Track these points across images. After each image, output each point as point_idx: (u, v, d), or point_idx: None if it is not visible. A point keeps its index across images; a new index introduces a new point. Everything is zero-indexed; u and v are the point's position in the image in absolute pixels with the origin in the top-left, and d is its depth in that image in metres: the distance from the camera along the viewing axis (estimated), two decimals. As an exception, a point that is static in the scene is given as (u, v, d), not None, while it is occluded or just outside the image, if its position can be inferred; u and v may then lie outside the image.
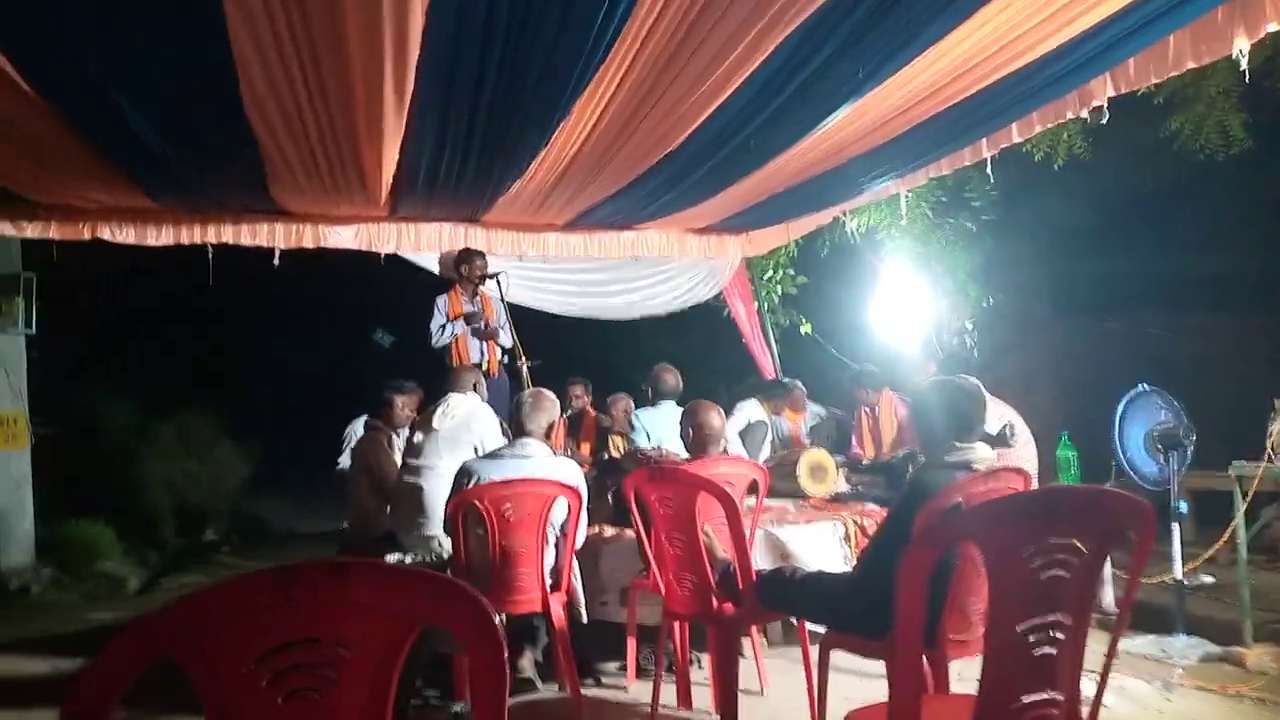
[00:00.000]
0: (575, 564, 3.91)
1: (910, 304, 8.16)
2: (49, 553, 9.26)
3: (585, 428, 6.71)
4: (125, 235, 5.42)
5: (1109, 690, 1.80)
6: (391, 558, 4.28)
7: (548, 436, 3.82)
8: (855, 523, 4.63)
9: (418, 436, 4.38)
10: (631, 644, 4.08)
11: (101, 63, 3.20)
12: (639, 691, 4.07)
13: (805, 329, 9.12)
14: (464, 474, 3.69)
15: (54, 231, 5.28)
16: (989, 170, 5.21)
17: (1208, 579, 5.54)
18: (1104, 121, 4.23)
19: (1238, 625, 4.58)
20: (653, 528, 3.41)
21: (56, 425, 10.71)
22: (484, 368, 6.00)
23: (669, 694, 3.82)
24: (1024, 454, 4.81)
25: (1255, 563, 5.22)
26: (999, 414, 4.63)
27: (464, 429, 4.34)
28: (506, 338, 6.21)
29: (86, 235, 5.37)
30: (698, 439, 4.04)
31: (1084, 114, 4.22)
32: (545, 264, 6.66)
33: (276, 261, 5.78)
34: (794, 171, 5.25)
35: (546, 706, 3.99)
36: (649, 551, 3.46)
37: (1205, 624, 4.77)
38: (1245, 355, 8.37)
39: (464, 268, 6.13)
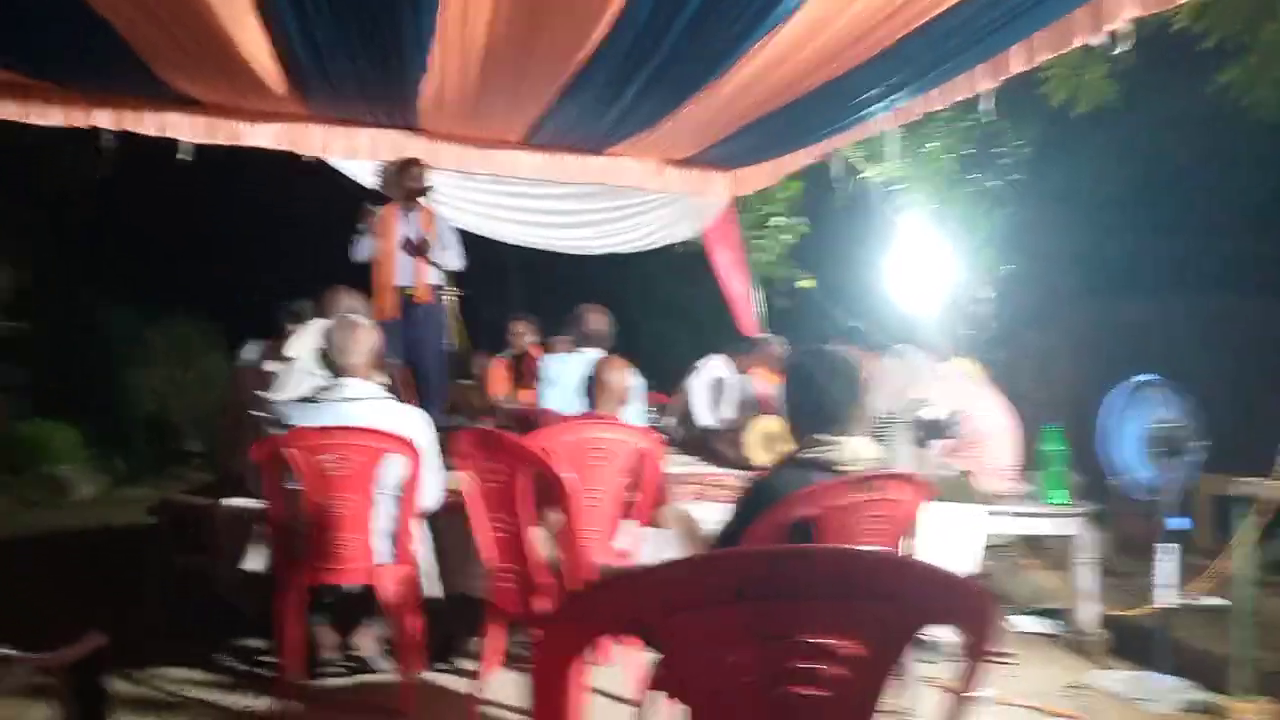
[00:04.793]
0: (420, 531, 3.29)
1: (926, 265, 7.40)
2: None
3: (528, 371, 6.04)
4: (9, 113, 4.81)
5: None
6: (234, 503, 3.70)
7: (379, 372, 3.16)
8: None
9: (270, 365, 3.75)
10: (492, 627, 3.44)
11: None
12: (502, 682, 3.46)
13: (804, 283, 8.39)
14: (276, 417, 3.07)
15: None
16: (988, 108, 4.35)
17: (1216, 601, 4.76)
18: (1125, 50, 3.43)
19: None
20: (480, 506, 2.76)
21: (33, 326, 10.36)
22: (410, 292, 5.33)
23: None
24: (991, 448, 4.07)
25: (1272, 586, 4.47)
26: (954, 393, 3.89)
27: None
28: (454, 259, 5.49)
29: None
30: (595, 398, 3.40)
31: (1098, 40, 3.41)
32: (497, 184, 5.93)
33: (181, 155, 5.14)
34: (768, 90, 4.51)
35: (372, 690, 3.41)
36: (477, 534, 2.81)
37: (1199, 660, 4.03)
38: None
39: (399, 176, 5.41)
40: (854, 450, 1.98)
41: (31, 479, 8.81)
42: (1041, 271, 8.05)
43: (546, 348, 6.02)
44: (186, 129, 5.11)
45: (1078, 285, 8.57)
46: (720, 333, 7.19)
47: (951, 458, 3.62)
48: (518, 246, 6.43)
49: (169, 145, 5.16)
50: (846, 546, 0.81)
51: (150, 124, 5.06)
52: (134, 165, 5.71)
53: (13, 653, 2.32)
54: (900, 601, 0.97)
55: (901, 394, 3.17)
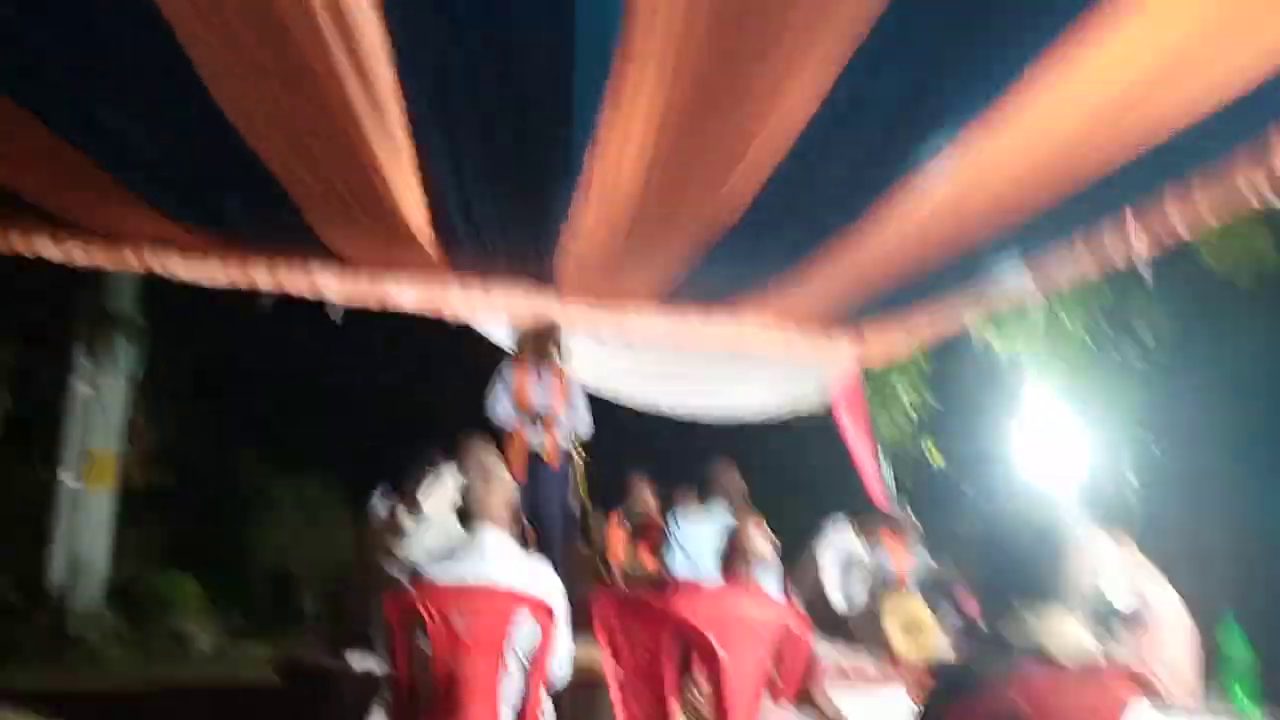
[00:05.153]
0: (548, 702, 3.09)
1: (1063, 442, 7.08)
2: (124, 604, 9.09)
3: (651, 532, 5.86)
4: (175, 268, 5.08)
5: None
6: (358, 661, 3.60)
7: (514, 525, 3.06)
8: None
9: (403, 516, 3.70)
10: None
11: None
12: None
13: (934, 457, 8.10)
14: (408, 571, 2.98)
15: (101, 258, 5.00)
16: (1145, 276, 4.16)
17: None
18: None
19: None
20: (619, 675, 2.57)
21: (167, 472, 10.74)
22: (539, 452, 5.32)
23: None
24: (1168, 638, 3.65)
25: None
26: (1132, 577, 3.52)
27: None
28: (583, 423, 5.51)
29: (136, 266, 5.08)
30: (728, 558, 3.20)
31: (1269, 202, 3.24)
32: (625, 347, 5.96)
33: (331, 315, 5.32)
34: (896, 247, 4.40)
35: None
36: (616, 707, 2.61)
37: None
38: None
39: (535, 339, 5.53)
40: (1062, 629, 1.73)
41: (153, 630, 8.89)
42: (1193, 450, 7.55)
43: (670, 504, 5.86)
44: (337, 290, 5.27)
45: (1234, 465, 7.99)
46: (842, 504, 6.93)
47: (1130, 647, 3.25)
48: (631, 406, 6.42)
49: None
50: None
51: (304, 283, 5.25)
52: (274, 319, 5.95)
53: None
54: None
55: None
